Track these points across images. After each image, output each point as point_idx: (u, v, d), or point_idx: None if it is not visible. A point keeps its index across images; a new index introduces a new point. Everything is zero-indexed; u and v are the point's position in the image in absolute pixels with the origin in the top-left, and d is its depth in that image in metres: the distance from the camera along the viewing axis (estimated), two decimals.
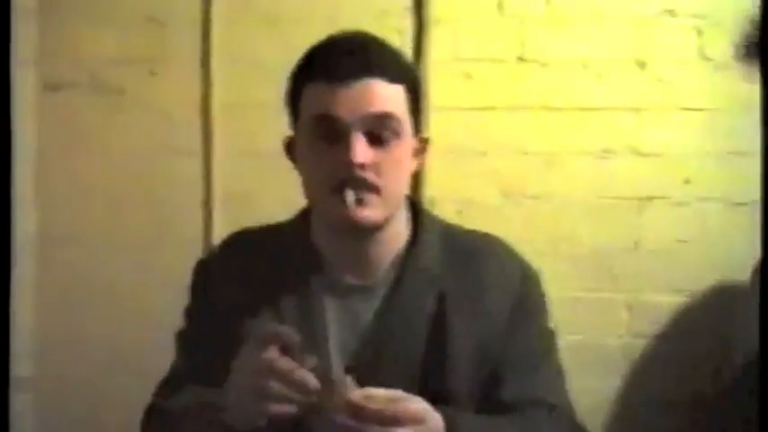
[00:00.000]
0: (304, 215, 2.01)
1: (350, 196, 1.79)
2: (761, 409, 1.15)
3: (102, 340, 3.22)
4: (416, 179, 3.08)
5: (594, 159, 3.20)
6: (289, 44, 3.16)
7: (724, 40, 3.19)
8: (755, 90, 3.11)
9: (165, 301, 3.19)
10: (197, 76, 3.21)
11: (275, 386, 1.63)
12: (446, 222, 2.05)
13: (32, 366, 3.25)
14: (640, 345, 3.23)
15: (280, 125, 3.16)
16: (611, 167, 3.20)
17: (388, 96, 1.81)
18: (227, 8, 3.22)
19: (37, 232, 3.24)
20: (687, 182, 3.20)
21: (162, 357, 3.14)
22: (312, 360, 1.66)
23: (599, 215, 3.20)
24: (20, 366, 3.19)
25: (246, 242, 2.04)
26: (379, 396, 1.66)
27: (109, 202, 3.22)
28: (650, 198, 3.21)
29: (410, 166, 1.90)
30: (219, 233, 3.18)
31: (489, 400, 1.92)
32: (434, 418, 1.70)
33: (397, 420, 1.64)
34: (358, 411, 1.63)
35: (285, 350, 1.66)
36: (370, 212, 1.82)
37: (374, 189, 1.80)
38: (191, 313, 2.04)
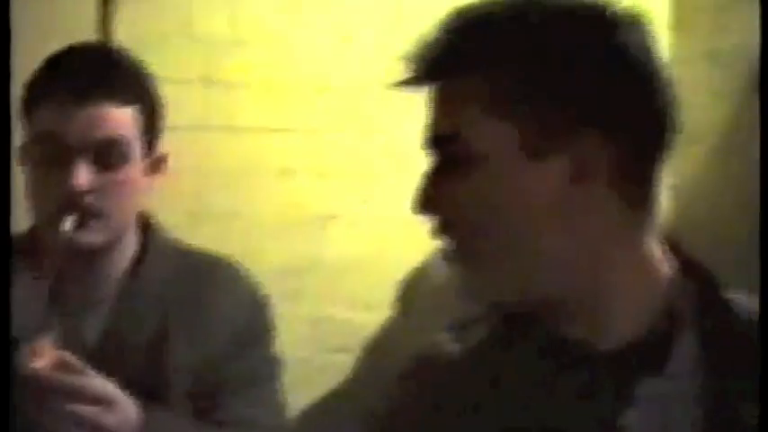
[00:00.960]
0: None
1: (68, 224, 1.75)
2: (761, 409, 1.17)
3: None
4: None
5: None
6: None
7: None
8: None
9: None
10: None
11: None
12: (180, 242, 2.03)
13: None
14: None
15: None
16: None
17: (116, 120, 1.79)
18: None
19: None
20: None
21: None
22: None
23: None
24: None
25: None
26: (75, 367, 1.66)
27: None
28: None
29: (141, 186, 1.87)
30: None
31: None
32: (127, 405, 1.70)
33: (81, 395, 1.64)
34: (43, 380, 1.62)
35: None
36: (92, 236, 1.79)
37: (96, 214, 1.78)
38: None
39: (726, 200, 2.98)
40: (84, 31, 3.17)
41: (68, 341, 1.86)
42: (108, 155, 1.78)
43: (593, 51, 1.16)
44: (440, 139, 1.21)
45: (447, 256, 1.25)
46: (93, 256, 1.86)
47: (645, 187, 1.19)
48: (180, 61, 3.22)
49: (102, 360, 1.86)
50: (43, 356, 1.63)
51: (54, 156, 1.78)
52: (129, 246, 1.94)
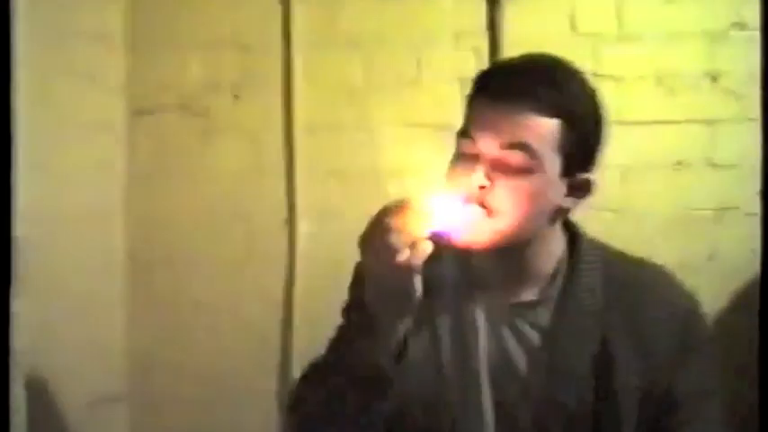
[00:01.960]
0: None
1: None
2: (761, 409, 1.14)
3: (193, 357, 3.25)
4: None
5: (669, 171, 3.18)
6: (369, 65, 3.22)
7: None
8: None
9: (254, 316, 3.24)
10: (279, 98, 3.23)
11: (394, 236, 1.65)
12: (605, 246, 2.01)
13: (126, 384, 3.29)
14: None
15: (358, 145, 3.21)
16: (686, 179, 3.18)
17: (529, 128, 1.78)
18: (308, 31, 3.27)
19: (128, 255, 3.29)
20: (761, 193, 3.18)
21: (255, 369, 3.19)
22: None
23: (675, 228, 3.18)
24: (114, 384, 3.24)
25: None
26: None
27: (197, 224, 3.28)
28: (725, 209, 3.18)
29: (550, 201, 1.85)
30: (302, 250, 3.22)
31: None
32: None
33: None
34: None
35: None
36: (479, 236, 1.81)
37: (491, 212, 1.79)
38: (346, 313, 2.03)
39: None
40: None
41: (509, 341, 1.90)
42: (512, 157, 1.78)
43: None
44: None
45: None
46: (508, 254, 1.87)
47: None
48: (568, 57, 3.20)
49: (547, 366, 1.87)
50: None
51: (466, 153, 1.83)
52: (557, 247, 1.94)
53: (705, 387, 1.91)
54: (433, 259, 1.69)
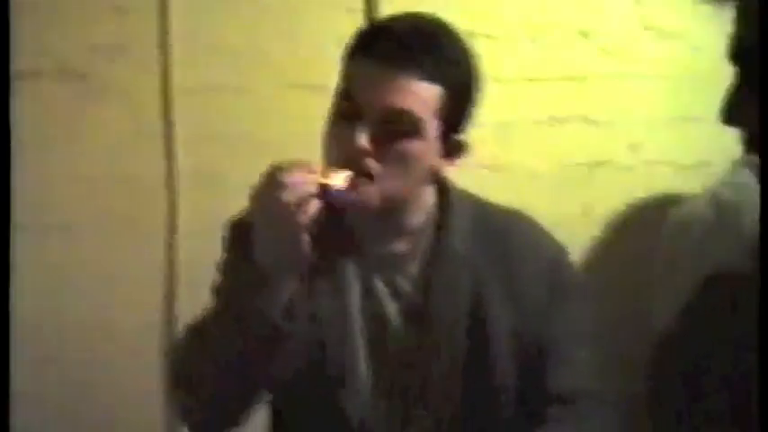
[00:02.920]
0: None
1: (339, 179, 1.78)
2: (761, 409, 1.18)
3: (78, 318, 3.22)
4: None
5: (544, 127, 3.23)
6: (245, 26, 3.20)
7: (664, 8, 3.24)
8: (698, 57, 3.19)
9: (136, 279, 3.22)
10: (157, 60, 3.20)
11: (285, 193, 1.68)
12: (474, 197, 2.08)
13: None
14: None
15: (239, 107, 3.20)
16: (561, 135, 3.23)
17: (412, 93, 1.82)
18: None
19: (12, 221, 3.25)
20: (633, 147, 3.25)
21: (137, 333, 3.17)
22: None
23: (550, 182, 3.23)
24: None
25: None
26: None
27: (78, 188, 3.24)
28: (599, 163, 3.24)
29: (429, 163, 1.90)
30: (184, 215, 3.20)
31: (532, 391, 1.96)
32: None
33: None
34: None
35: None
36: (362, 197, 1.83)
37: (370, 177, 1.82)
38: (224, 268, 2.05)
39: None
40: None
41: (382, 293, 1.95)
42: (395, 123, 1.81)
43: None
44: (747, 49, 1.21)
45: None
46: (385, 212, 1.90)
47: None
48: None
49: (420, 314, 1.90)
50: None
51: (347, 114, 1.85)
52: (427, 201, 1.98)
53: (576, 331, 1.99)
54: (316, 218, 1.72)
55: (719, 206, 2.60)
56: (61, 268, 3.30)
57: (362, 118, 1.81)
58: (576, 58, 3.30)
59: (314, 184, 1.69)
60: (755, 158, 1.22)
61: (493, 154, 3.27)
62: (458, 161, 1.96)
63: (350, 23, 3.14)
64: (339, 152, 1.81)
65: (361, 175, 1.80)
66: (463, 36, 1.94)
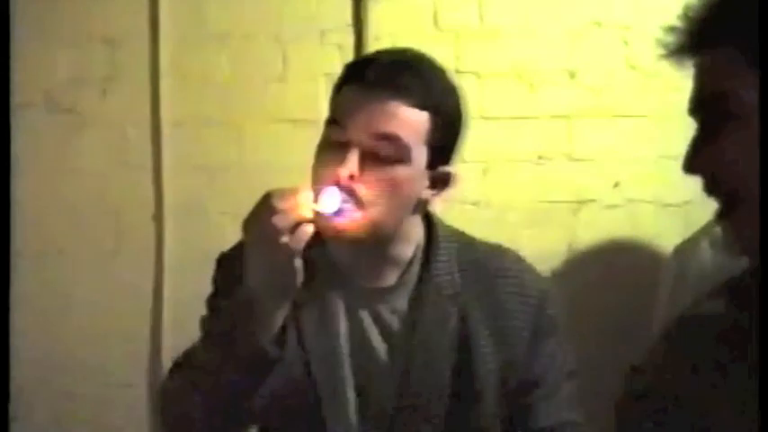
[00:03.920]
0: None
1: (323, 201, 1.78)
2: (761, 409, 1.19)
3: (63, 350, 3.23)
4: None
5: (530, 165, 3.25)
6: (235, 60, 3.22)
7: (649, 49, 3.25)
8: (681, 97, 3.20)
9: (123, 310, 3.22)
10: (146, 92, 3.22)
11: (278, 218, 1.67)
12: (460, 233, 2.08)
13: None
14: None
15: (227, 140, 3.21)
16: (546, 173, 3.25)
17: (400, 119, 1.82)
18: (175, 25, 3.27)
19: None
20: (617, 185, 3.27)
21: (124, 364, 3.17)
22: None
23: (535, 219, 3.25)
24: None
25: None
26: None
27: (65, 219, 3.25)
28: (583, 201, 3.26)
29: (416, 192, 1.89)
30: (170, 245, 3.21)
31: (518, 426, 1.99)
32: None
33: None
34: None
35: None
36: (348, 225, 1.81)
37: (360, 204, 1.81)
38: (212, 303, 2.04)
39: None
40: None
41: (368, 326, 1.97)
42: (384, 149, 1.81)
43: None
44: (706, 102, 1.27)
45: (717, 215, 1.32)
46: (374, 242, 1.89)
47: None
48: (429, 53, 3.24)
49: (406, 348, 1.92)
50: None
51: (336, 140, 1.84)
52: (415, 235, 1.99)
53: (561, 366, 2.02)
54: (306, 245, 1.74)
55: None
56: (44, 297, 3.30)
57: (351, 143, 1.81)
58: (562, 97, 3.33)
59: (308, 209, 1.70)
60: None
61: (479, 191, 3.29)
62: (445, 193, 1.95)
63: (339, 59, 3.17)
64: (327, 178, 1.81)
65: (350, 200, 1.80)
66: (445, 68, 1.96)
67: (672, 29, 1.34)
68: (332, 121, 1.88)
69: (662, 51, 1.36)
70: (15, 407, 3.26)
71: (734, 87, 1.27)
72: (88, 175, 3.32)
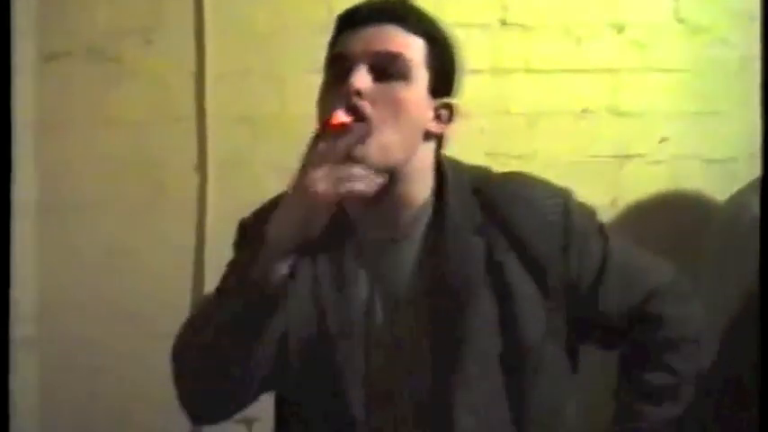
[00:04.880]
0: None
1: (339, 115, 1.81)
2: (761, 409, 1.18)
3: (103, 300, 3.24)
4: None
5: (575, 119, 3.23)
6: (278, 11, 3.21)
7: (698, 2, 3.23)
8: (728, 52, 3.19)
9: (162, 262, 3.23)
10: (190, 43, 3.22)
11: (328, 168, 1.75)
12: (467, 167, 2.07)
13: (36, 327, 3.27)
14: None
15: (270, 91, 3.21)
16: (591, 127, 3.23)
17: (399, 40, 1.87)
18: None
19: (37, 200, 3.26)
20: (663, 140, 3.24)
21: (160, 313, 3.19)
22: None
23: (580, 173, 3.23)
24: (24, 327, 3.21)
25: None
26: None
27: (107, 170, 3.26)
28: (628, 156, 3.24)
29: (423, 118, 1.91)
30: (212, 197, 3.22)
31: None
32: None
33: None
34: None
35: None
36: (365, 151, 1.82)
37: (368, 120, 1.82)
38: (231, 267, 2.05)
39: None
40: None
41: (384, 279, 1.97)
42: (387, 67, 1.85)
43: None
44: None
45: None
46: (390, 179, 1.89)
47: None
48: (476, 6, 3.22)
49: (436, 286, 1.94)
50: None
51: (340, 73, 1.87)
52: (427, 177, 1.98)
53: (613, 258, 2.03)
54: None
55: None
56: (85, 248, 3.32)
57: (355, 60, 1.84)
58: (608, 50, 3.31)
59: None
60: None
61: (523, 144, 3.28)
62: (448, 126, 1.96)
63: None
64: (334, 103, 1.83)
65: (356, 117, 1.81)
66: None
67: None
68: (333, 58, 1.92)
69: None
70: (51, 355, 3.30)
71: None
72: (129, 126, 3.33)
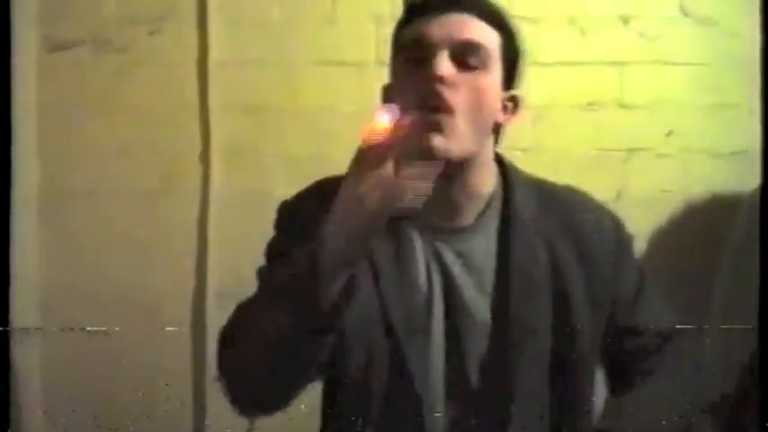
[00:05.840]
0: None
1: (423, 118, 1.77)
2: (761, 409, 1.18)
3: (106, 289, 3.24)
4: None
5: (581, 112, 3.22)
6: (286, 2, 3.21)
7: None
8: (734, 45, 3.18)
9: (167, 250, 3.23)
10: (195, 33, 3.21)
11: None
12: (528, 174, 2.09)
13: (39, 316, 3.27)
14: None
15: (276, 81, 3.21)
16: (597, 120, 3.23)
17: (478, 30, 1.85)
18: None
19: (40, 187, 3.26)
20: (670, 134, 3.24)
21: (169, 302, 3.19)
22: None
23: (586, 166, 3.23)
24: (26, 316, 3.21)
25: (332, 187, 1.95)
26: None
27: (113, 158, 3.26)
28: (634, 149, 3.24)
29: (495, 109, 1.91)
30: (216, 186, 3.22)
31: (615, 350, 2.03)
32: None
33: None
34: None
35: None
36: (445, 144, 1.80)
37: (450, 110, 1.80)
38: (273, 250, 2.01)
39: None
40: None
41: (452, 263, 1.96)
42: (469, 56, 1.84)
43: None
44: None
45: None
46: (461, 168, 1.89)
47: None
48: None
49: (501, 286, 1.95)
50: None
51: (419, 56, 1.84)
52: (488, 173, 1.99)
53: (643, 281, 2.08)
54: None
55: None
56: (91, 235, 3.32)
57: (439, 47, 1.82)
58: (615, 43, 3.30)
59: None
60: None
61: (529, 137, 3.28)
62: (514, 117, 1.97)
63: (388, 3, 3.15)
64: (413, 88, 1.80)
65: (439, 109, 1.79)
66: None
67: None
68: (411, 45, 1.86)
69: None
70: (53, 345, 3.30)
71: None
72: (134, 116, 3.33)
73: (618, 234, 2.02)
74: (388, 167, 1.63)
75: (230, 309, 1.86)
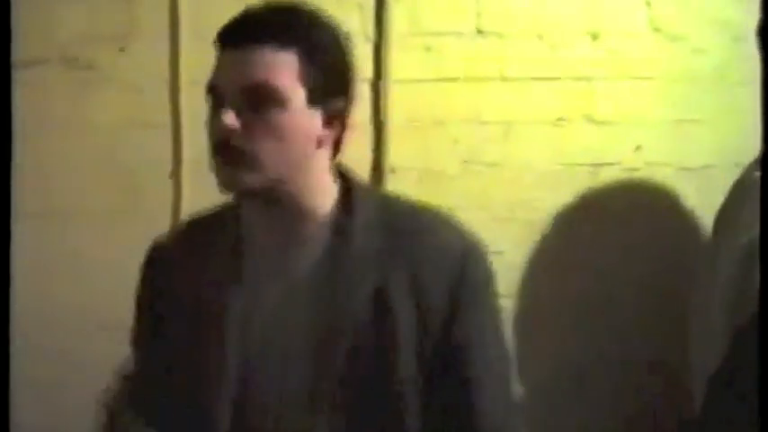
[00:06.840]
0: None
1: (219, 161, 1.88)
2: (761, 409, 1.20)
3: (74, 309, 3.22)
4: (378, 149, 3.11)
5: (550, 127, 3.24)
6: None
7: (673, 11, 3.25)
8: (703, 60, 3.21)
9: (135, 270, 3.22)
10: (165, 50, 3.21)
11: None
12: (382, 194, 2.07)
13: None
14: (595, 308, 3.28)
15: None
16: (566, 135, 3.24)
17: (270, 66, 1.83)
18: None
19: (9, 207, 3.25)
20: (638, 148, 3.26)
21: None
22: None
23: (555, 181, 3.25)
24: None
25: (193, 230, 2.10)
26: None
27: (81, 177, 3.26)
28: (602, 164, 3.26)
29: (305, 135, 1.90)
30: (187, 204, 3.21)
31: (434, 384, 1.93)
32: None
33: None
34: None
35: None
36: (246, 178, 1.85)
37: (245, 155, 1.83)
38: (140, 304, 2.18)
39: None
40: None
41: (271, 271, 1.99)
42: (260, 97, 1.83)
43: None
44: None
45: None
46: (283, 200, 1.92)
47: None
48: (451, 14, 3.23)
49: (322, 305, 1.95)
50: None
51: (214, 103, 1.89)
52: (328, 191, 1.98)
53: (488, 343, 1.99)
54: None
55: None
56: (64, 256, 3.31)
57: (226, 100, 1.84)
58: (583, 58, 3.32)
59: None
60: None
61: (498, 152, 3.30)
62: (339, 128, 1.96)
63: (359, 18, 3.16)
64: (211, 138, 1.87)
65: (235, 155, 1.83)
66: (323, 12, 1.98)
67: None
68: (209, 89, 1.91)
69: None
70: (23, 363, 3.28)
71: None
72: (103, 134, 3.32)
73: (458, 269, 1.93)
74: None
75: None
